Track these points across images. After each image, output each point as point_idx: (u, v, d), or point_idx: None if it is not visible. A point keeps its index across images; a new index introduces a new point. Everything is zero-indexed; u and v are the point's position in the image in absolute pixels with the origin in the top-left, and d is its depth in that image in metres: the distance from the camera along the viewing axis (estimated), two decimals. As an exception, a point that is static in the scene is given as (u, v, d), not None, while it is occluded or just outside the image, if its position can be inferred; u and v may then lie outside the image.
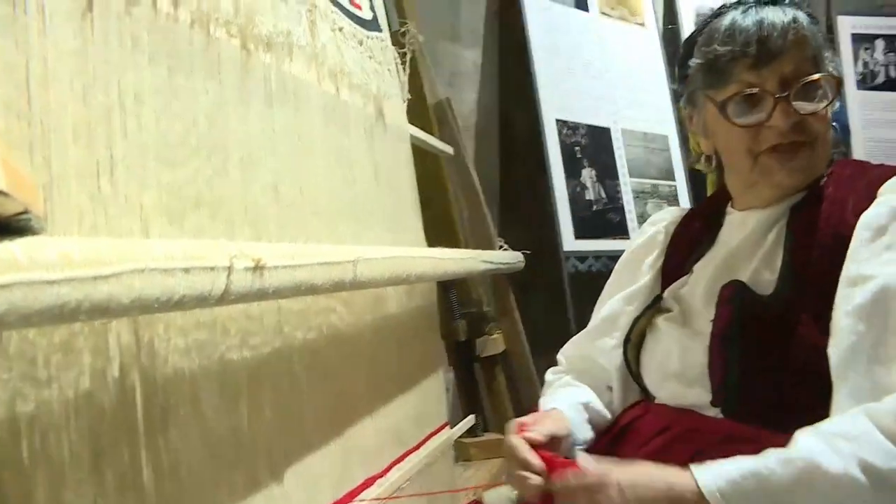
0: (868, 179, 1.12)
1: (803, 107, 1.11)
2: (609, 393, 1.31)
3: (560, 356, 1.43)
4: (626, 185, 3.50)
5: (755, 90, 1.11)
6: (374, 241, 1.55)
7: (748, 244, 1.18)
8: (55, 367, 0.75)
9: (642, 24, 3.98)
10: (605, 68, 3.64)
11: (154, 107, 0.93)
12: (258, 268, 0.83)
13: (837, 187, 1.14)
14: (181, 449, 0.93)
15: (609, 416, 1.29)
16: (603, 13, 3.81)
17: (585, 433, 1.23)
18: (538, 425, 1.12)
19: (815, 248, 1.09)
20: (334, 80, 1.44)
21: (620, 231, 3.35)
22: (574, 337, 1.43)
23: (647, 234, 1.38)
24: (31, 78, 0.73)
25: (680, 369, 1.16)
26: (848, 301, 0.99)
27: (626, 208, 3.45)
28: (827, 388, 0.98)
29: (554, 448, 1.11)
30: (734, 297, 1.11)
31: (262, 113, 1.17)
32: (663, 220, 1.38)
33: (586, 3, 3.74)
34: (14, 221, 0.57)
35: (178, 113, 0.97)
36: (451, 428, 2.01)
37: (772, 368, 1.06)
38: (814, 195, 1.14)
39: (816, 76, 1.12)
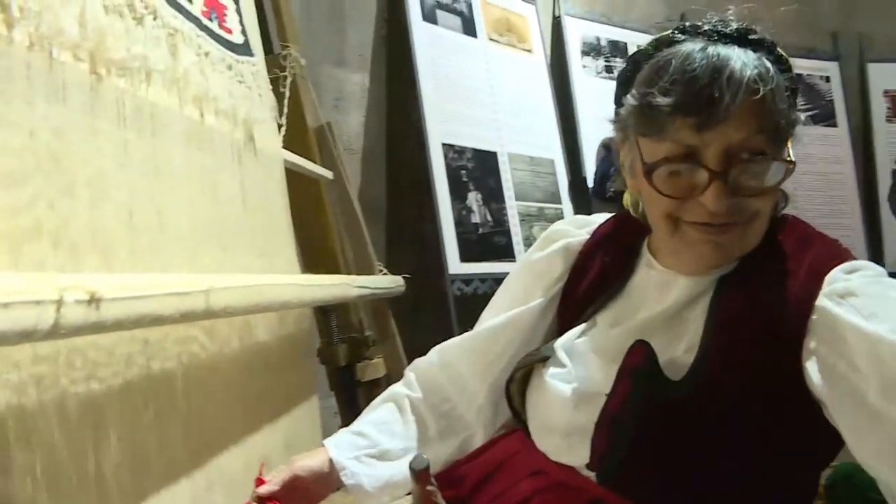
0: (810, 262, 0.97)
1: (744, 184, 0.95)
2: (466, 394, 1.24)
3: (409, 371, 1.31)
4: (513, 208, 3.56)
5: (686, 164, 0.95)
6: (242, 269, 1.52)
7: (665, 315, 1.03)
8: None
9: (530, 51, 4.07)
10: (492, 93, 3.71)
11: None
12: (93, 300, 0.81)
13: (775, 262, 0.99)
14: (21, 493, 0.89)
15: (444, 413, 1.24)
16: (491, 39, 3.88)
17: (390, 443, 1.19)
18: (273, 478, 1.12)
19: (743, 334, 0.96)
20: (198, 105, 1.42)
21: (506, 254, 3.41)
22: (445, 343, 1.30)
23: (549, 250, 1.20)
24: None
25: (564, 429, 1.05)
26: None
27: (513, 231, 3.51)
28: (730, 487, 0.93)
29: (314, 482, 1.13)
30: (638, 373, 0.97)
31: (114, 138, 1.14)
32: (565, 235, 1.21)
33: (474, 29, 3.80)
34: None
35: (13, 127, 0.93)
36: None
37: (664, 461, 0.96)
38: (747, 268, 1.01)
39: (767, 159, 0.95)
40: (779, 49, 1.00)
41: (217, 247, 1.45)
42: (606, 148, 3.32)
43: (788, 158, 0.96)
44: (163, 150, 1.28)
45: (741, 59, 0.93)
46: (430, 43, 3.51)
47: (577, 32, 4.40)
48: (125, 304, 0.87)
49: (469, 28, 3.79)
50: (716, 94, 0.90)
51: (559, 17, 4.38)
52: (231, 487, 1.42)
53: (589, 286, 1.14)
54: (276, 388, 1.68)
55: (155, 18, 1.28)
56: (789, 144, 0.99)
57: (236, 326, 1.47)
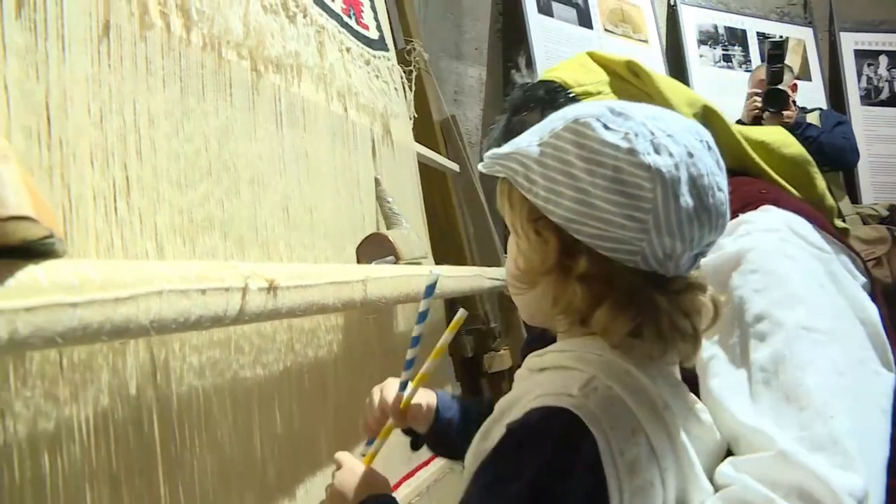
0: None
1: None
2: None
3: None
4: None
5: None
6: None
7: None
8: (75, 385, 0.76)
9: (645, 41, 4.01)
10: (608, 84, 3.66)
11: (166, 129, 0.94)
12: (272, 288, 0.84)
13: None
14: (195, 468, 0.94)
15: None
16: (607, 30, 3.84)
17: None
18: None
19: None
20: (342, 100, 1.46)
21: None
22: None
23: None
24: (51, 104, 0.75)
25: None
26: None
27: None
28: None
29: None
30: None
31: (272, 133, 1.19)
32: None
33: (590, 21, 3.77)
34: (39, 245, 0.58)
35: (190, 135, 0.99)
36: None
37: None
38: None
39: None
40: None
41: (357, 239, 1.48)
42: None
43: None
44: (313, 145, 1.32)
45: None
46: (546, 35, 3.50)
47: (693, 21, 4.30)
48: (297, 292, 0.91)
49: (584, 19, 3.76)
50: None
51: (675, 5, 4.29)
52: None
53: None
54: (413, 377, 1.71)
55: (304, 16, 1.32)
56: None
57: (377, 316, 1.51)
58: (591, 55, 1.15)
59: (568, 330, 0.78)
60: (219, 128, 1.05)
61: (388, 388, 1.02)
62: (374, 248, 1.39)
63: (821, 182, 1.12)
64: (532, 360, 0.83)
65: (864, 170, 4.06)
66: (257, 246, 1.11)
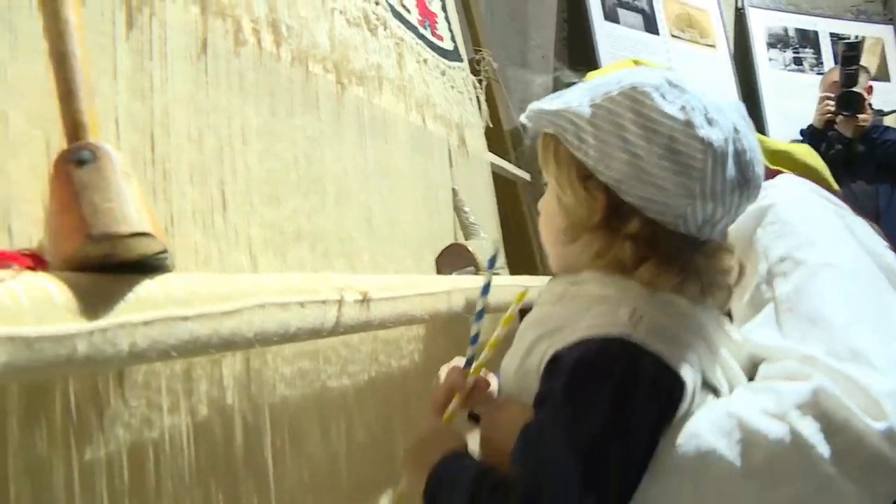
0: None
1: None
2: None
3: None
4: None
5: None
6: (458, 270, 1.56)
7: None
8: (176, 395, 0.78)
9: (713, 46, 3.95)
10: (676, 90, 3.62)
11: (258, 145, 0.96)
12: (365, 300, 0.85)
13: None
14: (284, 476, 0.96)
15: None
16: (673, 35, 3.80)
17: None
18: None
19: None
20: (420, 111, 1.47)
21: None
22: None
23: None
24: (155, 123, 0.77)
25: None
26: None
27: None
28: None
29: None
30: None
31: (356, 146, 1.20)
32: None
33: (656, 27, 3.73)
34: (153, 259, 0.60)
35: (280, 149, 1.01)
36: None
37: None
38: None
39: None
40: None
41: (435, 250, 1.49)
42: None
43: None
44: (394, 156, 1.33)
45: None
46: (613, 42, 3.48)
47: (761, 23, 4.21)
48: (388, 303, 0.92)
49: (651, 25, 3.73)
50: None
51: (742, 8, 4.21)
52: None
53: None
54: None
55: (385, 28, 1.33)
56: None
57: (455, 327, 1.51)
58: (636, 62, 1.17)
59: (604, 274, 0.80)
60: (307, 140, 1.07)
61: (454, 367, 1.00)
62: (454, 259, 1.40)
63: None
64: (563, 286, 0.83)
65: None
66: (343, 257, 1.13)
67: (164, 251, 0.60)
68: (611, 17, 3.55)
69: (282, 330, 0.73)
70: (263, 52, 0.98)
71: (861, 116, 3.07)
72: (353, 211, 1.18)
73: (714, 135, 0.73)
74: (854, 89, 3.09)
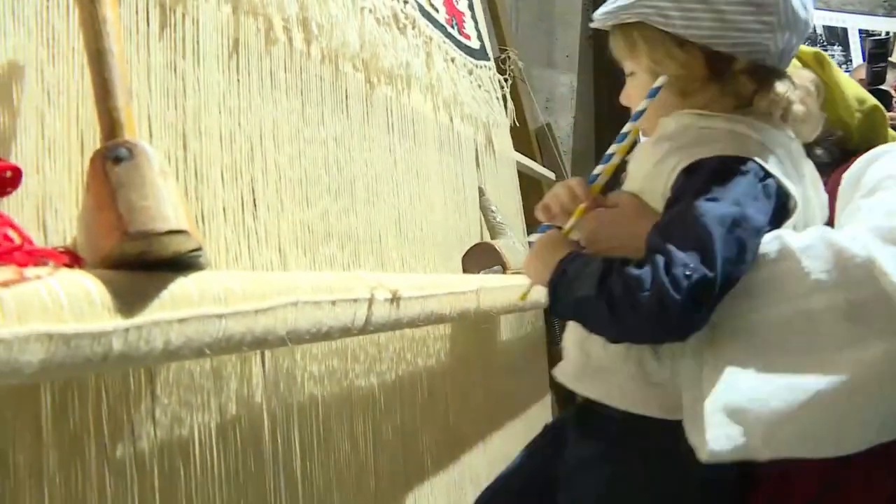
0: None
1: None
2: None
3: None
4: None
5: None
6: (485, 269, 1.56)
7: None
8: (207, 393, 0.78)
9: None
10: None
11: (289, 144, 0.96)
12: (395, 299, 0.85)
13: None
14: (313, 473, 0.96)
15: None
16: (699, 34, 3.77)
17: None
18: None
19: None
20: (448, 110, 1.47)
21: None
22: None
23: None
24: (187, 122, 0.78)
25: None
26: None
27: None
28: None
29: None
30: None
31: (384, 145, 1.20)
32: None
33: (681, 25, 3.70)
34: (187, 257, 0.60)
35: (311, 148, 1.01)
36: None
37: None
38: None
39: None
40: None
41: (462, 249, 1.49)
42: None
43: None
44: (423, 156, 1.33)
45: None
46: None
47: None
48: (418, 302, 0.91)
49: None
50: None
51: (770, 6, 4.16)
52: (477, 484, 1.46)
53: None
54: (515, 387, 1.71)
55: (413, 27, 1.33)
56: None
57: (482, 326, 1.51)
58: None
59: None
60: (336, 138, 1.07)
61: (580, 179, 1.01)
62: (482, 258, 1.39)
63: None
64: (690, 118, 0.91)
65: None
66: (372, 255, 1.13)
67: (199, 248, 0.60)
68: (637, 16, 3.52)
69: (314, 328, 0.72)
70: (294, 51, 0.98)
71: (889, 115, 3.03)
72: (383, 209, 1.18)
73: None
74: (882, 87, 3.05)
